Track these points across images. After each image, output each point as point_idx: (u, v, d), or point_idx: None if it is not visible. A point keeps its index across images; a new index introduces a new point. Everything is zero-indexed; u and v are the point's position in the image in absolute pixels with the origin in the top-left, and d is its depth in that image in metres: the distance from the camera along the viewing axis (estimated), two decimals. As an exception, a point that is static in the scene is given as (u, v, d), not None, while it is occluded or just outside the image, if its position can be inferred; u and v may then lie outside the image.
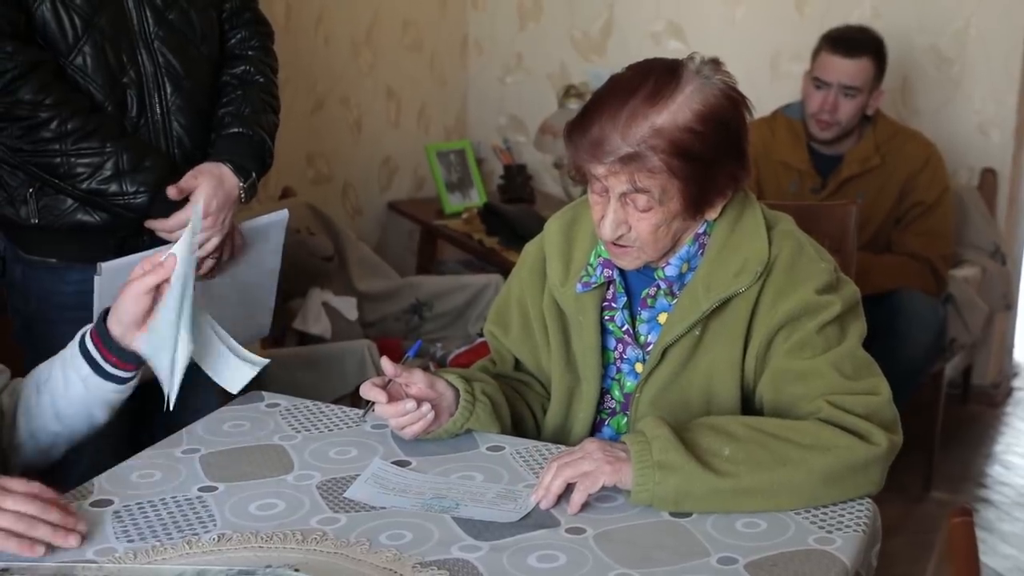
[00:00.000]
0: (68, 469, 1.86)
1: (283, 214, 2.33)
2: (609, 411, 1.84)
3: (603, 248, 1.76)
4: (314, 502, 1.59)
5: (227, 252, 2.20)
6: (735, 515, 1.55)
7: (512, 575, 1.41)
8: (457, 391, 1.78)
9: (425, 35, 4.59)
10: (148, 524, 1.52)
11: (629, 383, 1.81)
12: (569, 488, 1.57)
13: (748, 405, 1.75)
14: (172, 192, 2.09)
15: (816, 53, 3.53)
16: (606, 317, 1.80)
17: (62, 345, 1.75)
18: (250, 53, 2.30)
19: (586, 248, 1.82)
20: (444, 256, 4.53)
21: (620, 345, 1.81)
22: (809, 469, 1.57)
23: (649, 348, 1.77)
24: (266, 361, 1.73)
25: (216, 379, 1.73)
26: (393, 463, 1.71)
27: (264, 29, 2.34)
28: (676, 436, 1.58)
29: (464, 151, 4.57)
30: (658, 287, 1.77)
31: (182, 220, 2.07)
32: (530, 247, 1.91)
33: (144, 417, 2.21)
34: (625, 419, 1.81)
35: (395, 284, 3.83)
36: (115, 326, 1.67)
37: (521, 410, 1.89)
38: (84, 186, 2.06)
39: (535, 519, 1.54)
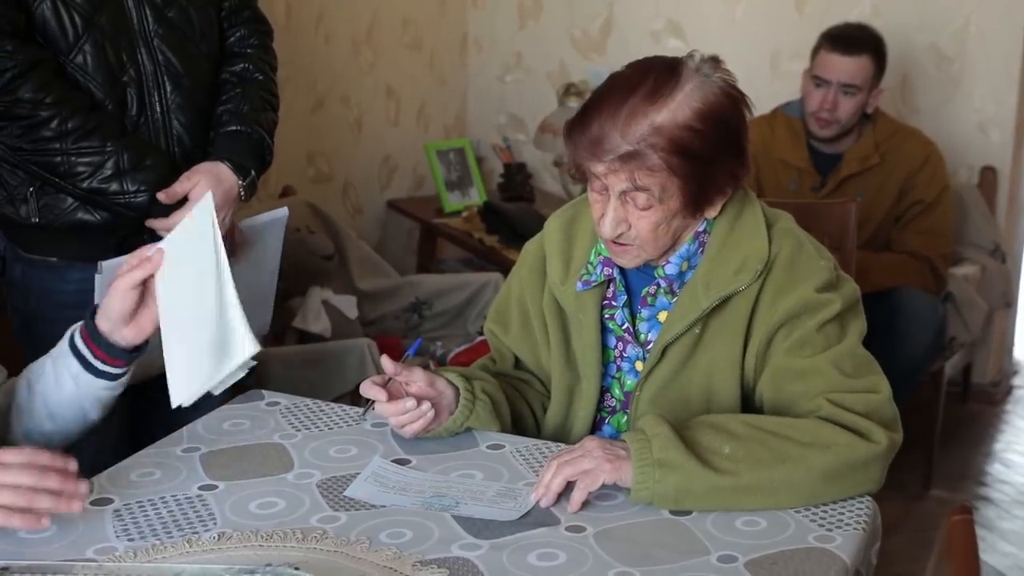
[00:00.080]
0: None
1: (283, 212, 2.33)
2: (609, 409, 1.84)
3: (603, 246, 1.76)
4: (314, 500, 1.59)
5: (227, 251, 2.19)
6: (735, 513, 1.55)
7: (512, 573, 1.41)
8: (457, 389, 1.78)
9: (425, 34, 4.59)
10: (148, 523, 1.52)
11: (629, 381, 1.81)
12: (569, 486, 1.57)
13: (748, 403, 1.75)
14: (162, 197, 2.08)
15: (816, 51, 3.52)
16: (606, 315, 1.80)
17: (63, 344, 1.75)
18: (249, 51, 2.30)
19: (586, 246, 1.82)
20: (444, 255, 4.53)
21: (620, 343, 1.81)
22: (809, 467, 1.57)
23: (649, 346, 1.77)
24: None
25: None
26: (393, 461, 1.71)
27: (263, 27, 2.34)
28: (676, 434, 1.58)
29: (464, 150, 4.57)
30: (658, 285, 1.77)
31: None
32: (530, 246, 1.91)
33: (144, 416, 2.21)
34: (625, 417, 1.81)
35: (395, 282, 3.83)
36: (103, 322, 1.67)
37: (521, 408, 1.89)
38: (85, 185, 2.07)
39: (535, 517, 1.54)
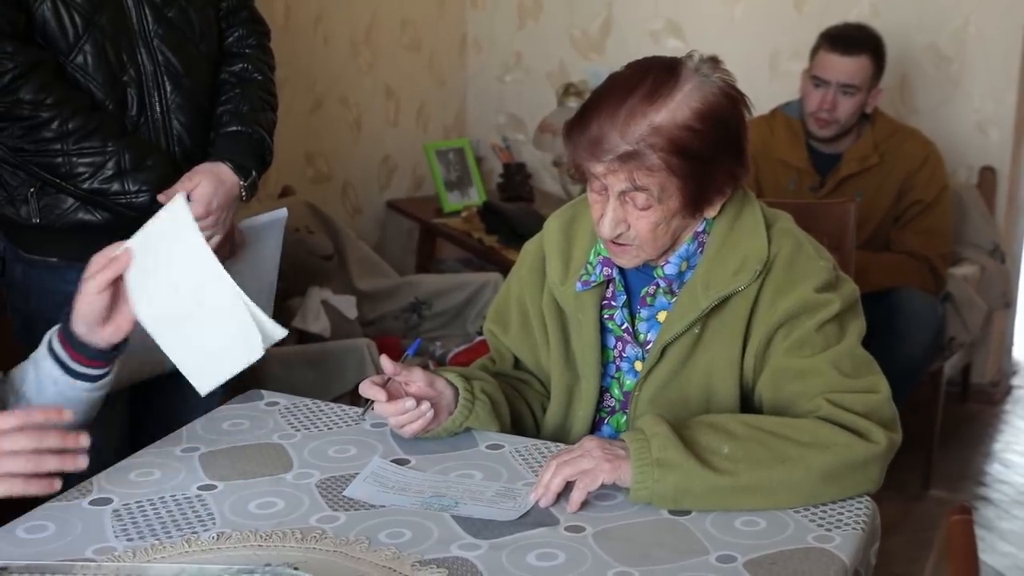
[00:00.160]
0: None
1: (282, 213, 2.33)
2: (608, 409, 1.84)
3: (602, 246, 1.76)
4: (313, 500, 1.59)
5: (227, 251, 2.20)
6: (734, 513, 1.55)
7: (511, 573, 1.41)
8: (456, 389, 1.78)
9: (424, 34, 4.59)
10: (147, 523, 1.52)
11: (628, 381, 1.81)
12: (568, 486, 1.57)
13: (747, 403, 1.75)
14: (162, 199, 2.08)
15: (815, 51, 3.52)
16: (605, 315, 1.80)
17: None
18: (247, 51, 2.30)
19: (585, 246, 1.82)
20: (443, 255, 4.53)
21: (619, 343, 1.81)
22: (808, 467, 1.57)
23: (648, 346, 1.77)
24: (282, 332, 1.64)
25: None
26: (392, 461, 1.71)
27: (261, 28, 2.35)
28: (675, 434, 1.58)
29: (463, 150, 4.57)
30: (657, 285, 1.77)
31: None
32: (529, 246, 1.91)
33: (144, 416, 2.22)
34: (624, 417, 1.81)
35: (394, 282, 3.83)
36: (80, 326, 1.64)
37: (520, 408, 1.89)
38: (86, 186, 2.07)
39: (534, 517, 1.55)
